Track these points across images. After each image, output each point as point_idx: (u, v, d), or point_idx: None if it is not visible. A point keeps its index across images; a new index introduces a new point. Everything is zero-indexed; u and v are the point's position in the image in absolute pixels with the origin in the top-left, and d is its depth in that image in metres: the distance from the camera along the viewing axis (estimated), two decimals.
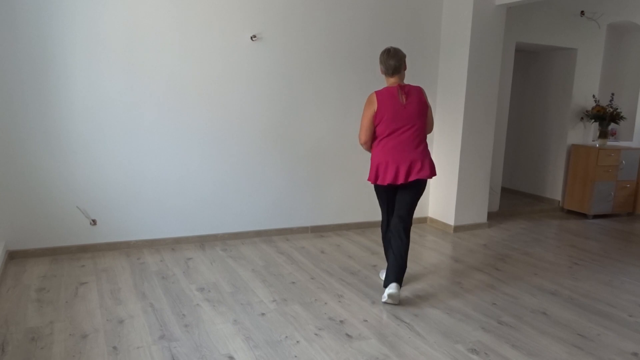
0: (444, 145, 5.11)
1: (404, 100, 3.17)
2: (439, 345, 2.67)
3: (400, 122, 3.17)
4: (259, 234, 4.60)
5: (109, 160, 3.97)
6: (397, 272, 3.21)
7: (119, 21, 3.83)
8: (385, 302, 3.19)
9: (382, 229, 3.52)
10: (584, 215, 6.00)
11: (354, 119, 4.83)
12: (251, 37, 4.27)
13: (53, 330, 2.69)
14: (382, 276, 3.56)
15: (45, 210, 3.83)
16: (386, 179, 3.20)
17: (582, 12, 5.87)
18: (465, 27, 4.80)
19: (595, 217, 5.97)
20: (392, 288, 3.15)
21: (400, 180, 3.18)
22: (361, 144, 3.32)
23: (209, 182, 4.34)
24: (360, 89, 4.80)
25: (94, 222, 4.00)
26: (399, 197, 3.31)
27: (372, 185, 5.01)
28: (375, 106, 3.19)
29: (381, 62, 3.24)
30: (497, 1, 4.81)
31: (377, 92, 3.22)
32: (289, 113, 4.55)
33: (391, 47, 3.25)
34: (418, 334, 2.79)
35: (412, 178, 3.18)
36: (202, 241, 4.39)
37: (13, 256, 3.79)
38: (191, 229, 4.34)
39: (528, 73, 6.66)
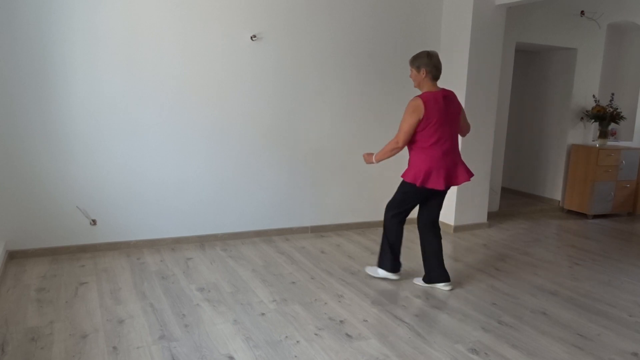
0: None
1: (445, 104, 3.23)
2: (439, 345, 2.67)
3: (447, 127, 3.23)
4: (259, 234, 4.60)
5: (109, 160, 3.97)
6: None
7: (119, 21, 3.83)
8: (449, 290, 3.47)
9: (395, 218, 3.46)
10: (584, 215, 6.00)
11: (354, 119, 4.83)
12: (251, 37, 4.27)
13: (53, 330, 2.69)
14: (376, 272, 3.61)
15: (45, 210, 3.83)
16: (441, 183, 3.22)
17: (582, 12, 5.87)
18: (465, 27, 4.80)
19: (595, 217, 5.97)
20: (449, 285, 3.48)
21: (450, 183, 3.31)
22: (397, 148, 3.23)
23: (209, 182, 4.33)
24: (360, 88, 4.80)
25: (94, 222, 4.00)
26: (433, 201, 3.42)
27: (375, 184, 5.07)
28: (422, 113, 3.14)
29: (427, 64, 3.19)
30: (497, 1, 4.81)
31: (421, 97, 3.18)
32: (289, 113, 4.54)
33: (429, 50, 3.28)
34: (418, 334, 2.79)
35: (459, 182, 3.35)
36: (202, 241, 4.38)
37: (13, 256, 3.80)
38: (191, 229, 4.34)
39: (528, 73, 6.65)
